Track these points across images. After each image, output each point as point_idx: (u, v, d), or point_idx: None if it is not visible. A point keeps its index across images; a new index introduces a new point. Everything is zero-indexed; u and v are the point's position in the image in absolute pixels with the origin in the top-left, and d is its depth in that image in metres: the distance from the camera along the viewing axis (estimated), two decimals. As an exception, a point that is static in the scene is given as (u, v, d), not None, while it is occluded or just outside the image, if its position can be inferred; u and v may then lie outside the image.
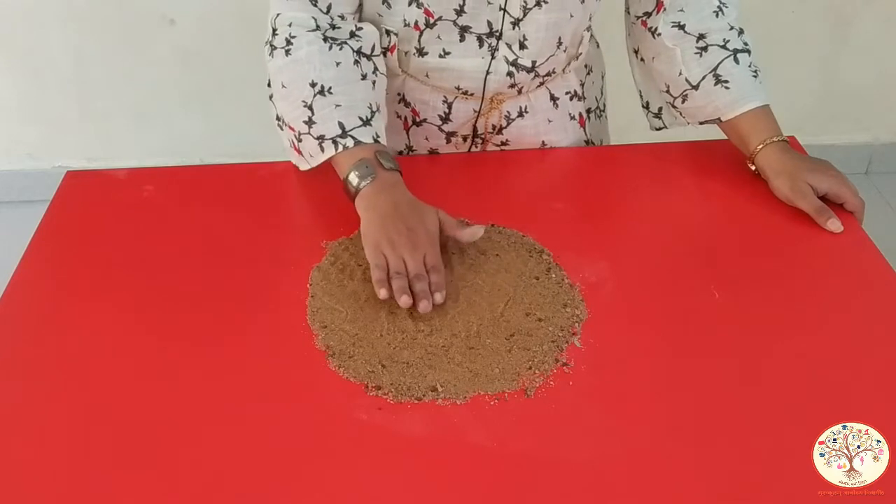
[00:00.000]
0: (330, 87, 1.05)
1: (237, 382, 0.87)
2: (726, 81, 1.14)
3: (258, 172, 1.20)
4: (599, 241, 1.08)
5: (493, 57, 1.12)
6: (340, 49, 1.07)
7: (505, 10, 1.08)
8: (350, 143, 1.03)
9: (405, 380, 0.87)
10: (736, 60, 1.14)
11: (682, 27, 1.15)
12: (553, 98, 1.22)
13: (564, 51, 1.15)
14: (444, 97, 1.18)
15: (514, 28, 1.09)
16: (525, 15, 1.08)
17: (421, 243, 0.97)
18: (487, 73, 1.13)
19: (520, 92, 1.18)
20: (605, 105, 1.35)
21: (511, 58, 1.12)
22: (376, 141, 1.05)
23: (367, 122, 1.05)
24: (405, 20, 1.10)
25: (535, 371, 0.88)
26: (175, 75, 2.34)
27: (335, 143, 1.04)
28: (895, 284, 1.00)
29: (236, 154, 2.34)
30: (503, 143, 1.24)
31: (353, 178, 1.02)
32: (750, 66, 1.15)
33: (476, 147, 1.25)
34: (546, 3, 1.07)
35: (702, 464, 0.80)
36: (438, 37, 1.10)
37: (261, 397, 0.86)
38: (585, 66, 1.26)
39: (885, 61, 2.43)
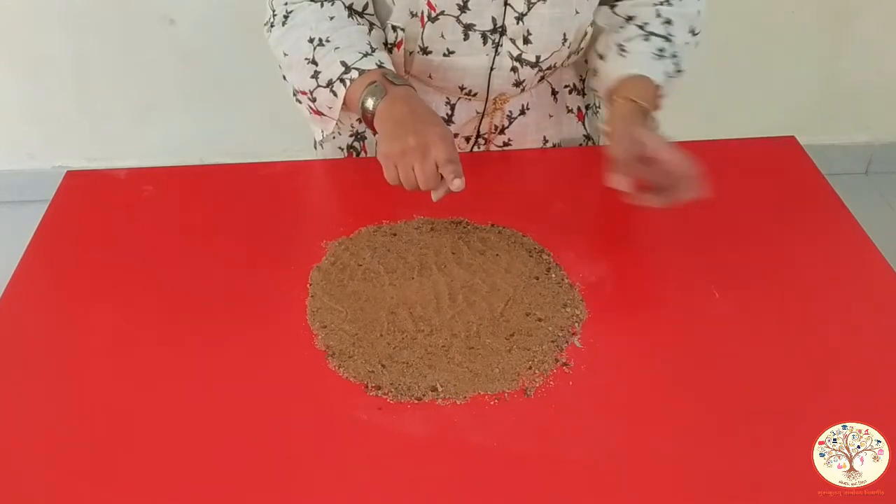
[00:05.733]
0: (327, 37, 1.07)
1: (237, 382, 0.88)
2: (626, 52, 1.12)
3: (258, 172, 1.20)
4: (599, 241, 1.08)
5: (496, 53, 1.12)
6: (332, 4, 1.10)
7: (509, 5, 1.08)
8: (355, 74, 1.04)
9: (405, 380, 0.87)
10: (646, 39, 1.12)
11: (613, 9, 1.15)
12: (553, 92, 1.22)
13: (569, 46, 1.15)
14: (447, 98, 1.18)
15: (518, 23, 1.10)
16: (529, 9, 1.08)
17: (431, 149, 0.95)
18: (491, 69, 1.14)
19: (522, 90, 1.18)
20: (599, 103, 1.35)
21: (515, 53, 1.12)
22: (381, 66, 1.05)
23: (367, 54, 1.06)
24: (411, 11, 1.10)
25: (535, 371, 0.88)
26: (175, 75, 2.34)
27: (342, 80, 1.05)
28: (895, 284, 1.00)
29: (236, 154, 2.34)
30: (506, 144, 1.24)
31: (369, 104, 1.02)
32: (661, 51, 1.11)
33: (479, 148, 1.25)
34: None
35: (702, 463, 0.80)
36: (442, 35, 1.10)
37: (261, 397, 0.86)
38: (586, 60, 1.26)
39: (885, 61, 2.43)
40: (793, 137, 1.24)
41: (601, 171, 1.22)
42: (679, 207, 1.13)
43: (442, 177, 0.96)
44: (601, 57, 1.15)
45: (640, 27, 1.12)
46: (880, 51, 2.40)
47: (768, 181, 1.17)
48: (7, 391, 0.88)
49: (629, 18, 1.14)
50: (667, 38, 1.11)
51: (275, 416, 0.84)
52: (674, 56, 1.11)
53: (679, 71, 1.12)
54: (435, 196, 0.97)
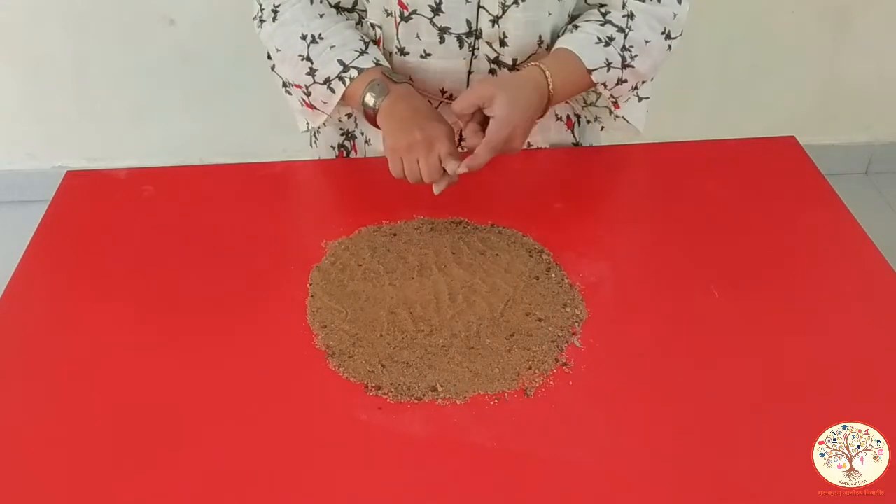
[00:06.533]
0: (320, 34, 1.11)
1: (237, 382, 0.88)
2: (577, 29, 1.12)
3: (258, 172, 1.20)
4: (599, 241, 1.08)
5: (473, 56, 1.12)
6: (321, 2, 1.14)
7: (483, 8, 1.08)
8: (354, 73, 1.09)
9: (405, 380, 0.87)
10: (602, 25, 1.11)
11: (586, 1, 1.15)
12: None
13: (547, 49, 1.15)
14: (429, 102, 1.18)
15: (493, 26, 1.10)
16: (504, 12, 1.08)
17: (436, 143, 1.02)
18: (469, 72, 1.14)
19: None
20: (595, 115, 1.33)
21: (492, 56, 1.12)
22: (378, 64, 1.10)
23: (363, 52, 1.10)
24: (386, 9, 1.11)
25: (535, 371, 0.88)
26: (175, 75, 2.34)
27: (341, 79, 1.09)
28: (895, 284, 1.00)
29: (236, 154, 2.34)
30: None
31: (370, 99, 1.07)
32: (610, 39, 1.09)
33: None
34: (524, 0, 1.07)
35: (702, 464, 0.80)
36: (418, 36, 1.11)
37: (261, 397, 0.86)
38: None
39: (885, 61, 2.42)
40: (793, 137, 1.24)
41: (601, 171, 1.23)
42: (679, 207, 1.13)
43: (444, 171, 1.01)
44: (559, 35, 1.14)
45: (602, 14, 1.12)
46: (880, 51, 2.40)
47: (768, 181, 1.18)
48: (7, 391, 0.88)
49: (599, 6, 1.14)
50: (622, 30, 1.10)
51: (275, 416, 0.84)
52: (626, 49, 1.10)
53: (628, 66, 1.11)
54: (436, 189, 1.03)
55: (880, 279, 1.01)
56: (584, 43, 1.09)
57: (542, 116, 1.11)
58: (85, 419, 0.84)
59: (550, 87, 1.07)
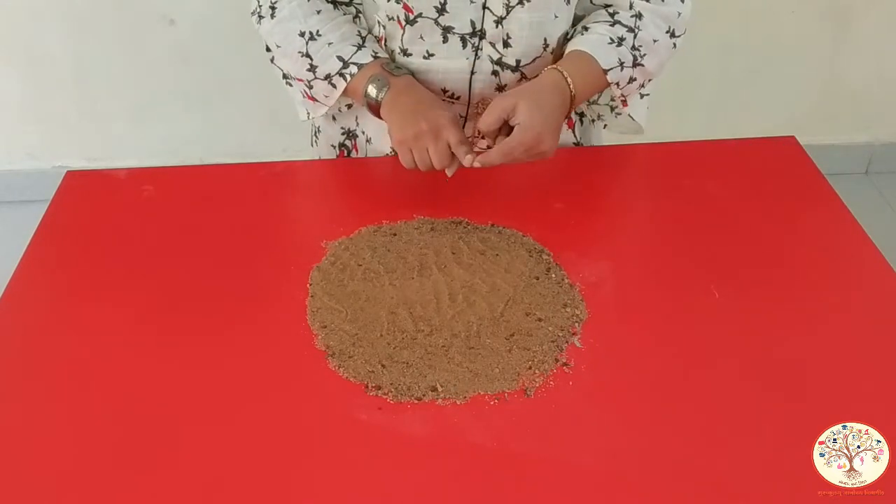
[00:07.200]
0: (318, 31, 1.12)
1: (237, 382, 0.88)
2: (587, 31, 1.13)
3: (258, 172, 1.20)
4: (599, 241, 1.08)
5: (477, 57, 1.12)
6: None
7: (488, 9, 1.08)
8: (354, 69, 1.11)
9: (405, 380, 0.87)
10: (611, 25, 1.12)
11: (592, 1, 1.16)
12: None
13: (551, 52, 1.15)
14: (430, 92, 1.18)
15: (497, 26, 1.10)
16: (508, 13, 1.09)
17: (443, 131, 1.04)
18: (472, 73, 1.14)
19: None
20: (598, 113, 1.33)
21: (495, 56, 1.12)
22: (376, 57, 1.12)
23: (361, 46, 1.13)
24: (388, 14, 1.12)
25: (535, 371, 0.88)
26: (175, 75, 2.34)
27: (342, 75, 1.12)
28: (895, 284, 1.00)
29: (236, 154, 2.35)
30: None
31: (372, 91, 1.10)
32: (621, 39, 1.11)
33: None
34: (529, 1, 1.07)
35: (702, 463, 0.80)
36: (421, 37, 1.11)
37: (261, 397, 0.86)
38: None
39: (885, 61, 2.43)
40: (793, 137, 1.24)
41: (601, 171, 1.23)
42: (679, 207, 1.13)
43: (453, 155, 1.04)
44: (568, 38, 1.15)
45: (611, 14, 1.13)
46: (880, 51, 2.40)
47: (768, 181, 1.18)
48: (7, 391, 0.88)
49: (605, 6, 1.15)
50: (631, 30, 1.12)
51: (275, 417, 0.84)
52: (636, 49, 1.12)
53: (638, 65, 1.12)
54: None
55: (880, 279, 1.01)
56: (597, 44, 1.10)
57: (566, 118, 1.11)
58: (85, 419, 0.84)
59: (571, 87, 1.08)
